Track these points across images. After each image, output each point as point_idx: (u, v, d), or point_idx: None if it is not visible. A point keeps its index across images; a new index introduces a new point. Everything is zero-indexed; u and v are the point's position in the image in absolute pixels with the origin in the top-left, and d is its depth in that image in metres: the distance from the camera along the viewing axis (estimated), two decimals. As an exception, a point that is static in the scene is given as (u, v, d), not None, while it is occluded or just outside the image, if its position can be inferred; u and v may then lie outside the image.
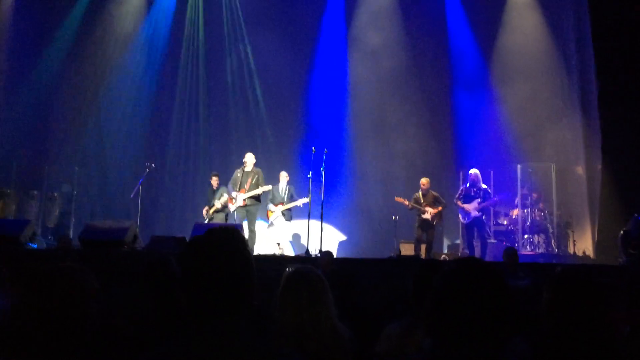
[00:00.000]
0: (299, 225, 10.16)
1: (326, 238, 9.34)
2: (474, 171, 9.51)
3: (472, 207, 9.22)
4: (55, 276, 1.72)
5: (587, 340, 1.92)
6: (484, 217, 9.46)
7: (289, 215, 10.01)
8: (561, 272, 2.10)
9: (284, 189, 10.04)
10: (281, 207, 9.90)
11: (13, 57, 11.43)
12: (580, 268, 6.74)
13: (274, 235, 10.05)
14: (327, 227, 10.26)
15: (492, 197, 9.56)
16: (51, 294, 1.67)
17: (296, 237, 11.18)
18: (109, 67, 12.26)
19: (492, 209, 10.28)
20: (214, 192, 10.13)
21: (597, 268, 7.34)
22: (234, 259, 1.49)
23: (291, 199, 9.92)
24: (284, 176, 10.12)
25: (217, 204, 9.89)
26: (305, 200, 9.42)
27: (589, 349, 1.91)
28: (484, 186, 9.50)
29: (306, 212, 9.25)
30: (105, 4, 12.36)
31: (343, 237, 11.87)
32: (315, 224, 9.25)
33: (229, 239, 1.52)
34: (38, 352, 1.62)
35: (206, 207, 10.09)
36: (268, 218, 10.09)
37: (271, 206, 10.01)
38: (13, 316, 1.70)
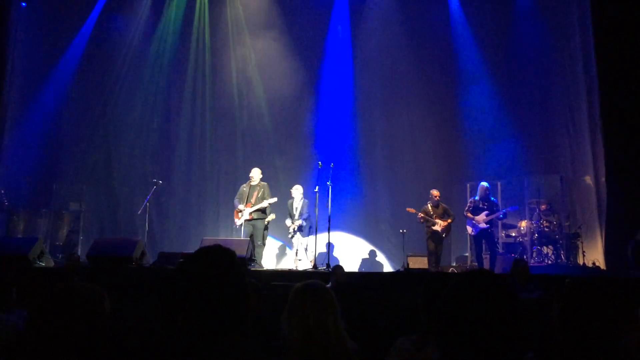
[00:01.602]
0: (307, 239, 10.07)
1: (333, 251, 9.30)
2: (484, 184, 9.53)
3: (480, 219, 9.21)
4: (71, 296, 1.73)
5: (597, 353, 1.90)
6: (492, 229, 9.43)
7: (306, 230, 9.97)
8: (570, 284, 2.09)
9: (297, 205, 10.01)
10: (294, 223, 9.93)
11: (22, 76, 11.53)
12: (589, 280, 6.69)
13: (293, 250, 9.99)
14: (334, 240, 10.23)
15: (500, 209, 9.55)
16: (67, 315, 1.68)
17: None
18: (116, 85, 12.34)
19: (500, 221, 10.23)
20: None
21: (607, 279, 7.27)
22: (222, 277, 1.50)
23: (301, 216, 9.92)
24: (298, 191, 10.08)
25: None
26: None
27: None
28: (493, 199, 9.52)
29: (313, 227, 9.24)
30: (112, 22, 12.50)
31: (351, 251, 11.81)
32: (322, 237, 9.23)
33: (217, 258, 1.53)
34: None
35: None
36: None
37: (288, 221, 10.04)
38: (28, 335, 1.70)
